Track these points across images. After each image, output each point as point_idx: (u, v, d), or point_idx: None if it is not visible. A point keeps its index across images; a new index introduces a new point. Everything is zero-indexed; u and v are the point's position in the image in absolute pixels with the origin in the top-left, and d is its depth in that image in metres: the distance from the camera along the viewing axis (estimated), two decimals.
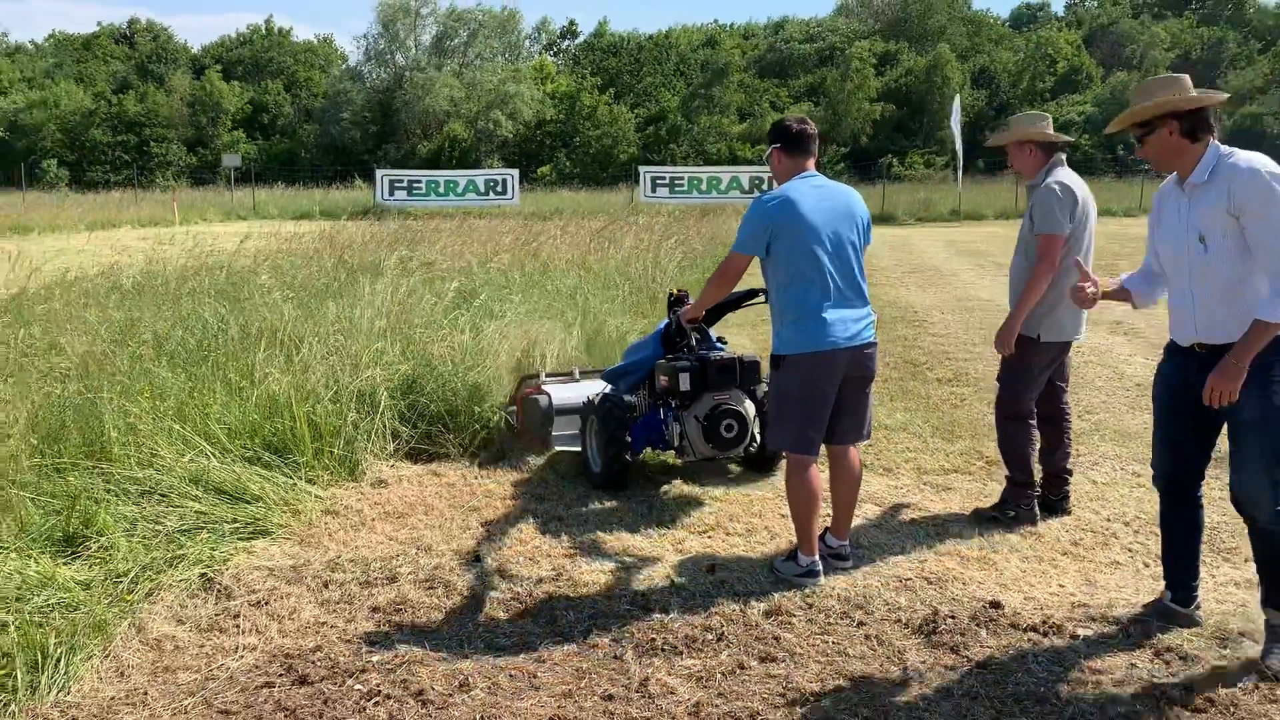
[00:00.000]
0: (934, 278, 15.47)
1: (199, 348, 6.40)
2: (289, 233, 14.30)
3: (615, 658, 3.48)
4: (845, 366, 4.04)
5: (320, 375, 5.80)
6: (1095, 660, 3.42)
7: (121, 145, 51.94)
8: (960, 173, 34.55)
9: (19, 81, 56.01)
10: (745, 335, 9.24)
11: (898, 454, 5.92)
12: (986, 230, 26.60)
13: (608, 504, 5.09)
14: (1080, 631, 3.61)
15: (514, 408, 6.11)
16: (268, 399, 5.48)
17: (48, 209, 29.69)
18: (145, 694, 3.25)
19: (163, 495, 4.55)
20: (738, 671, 3.37)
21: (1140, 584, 4.04)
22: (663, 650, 3.51)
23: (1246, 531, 3.43)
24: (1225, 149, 3.31)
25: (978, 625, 3.68)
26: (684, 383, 5.05)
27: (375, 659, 3.46)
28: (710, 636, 3.60)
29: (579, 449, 5.57)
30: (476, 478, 5.53)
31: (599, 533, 4.67)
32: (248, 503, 4.66)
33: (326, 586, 4.06)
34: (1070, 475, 4.92)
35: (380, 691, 3.24)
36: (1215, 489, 4.31)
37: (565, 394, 5.93)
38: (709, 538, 4.63)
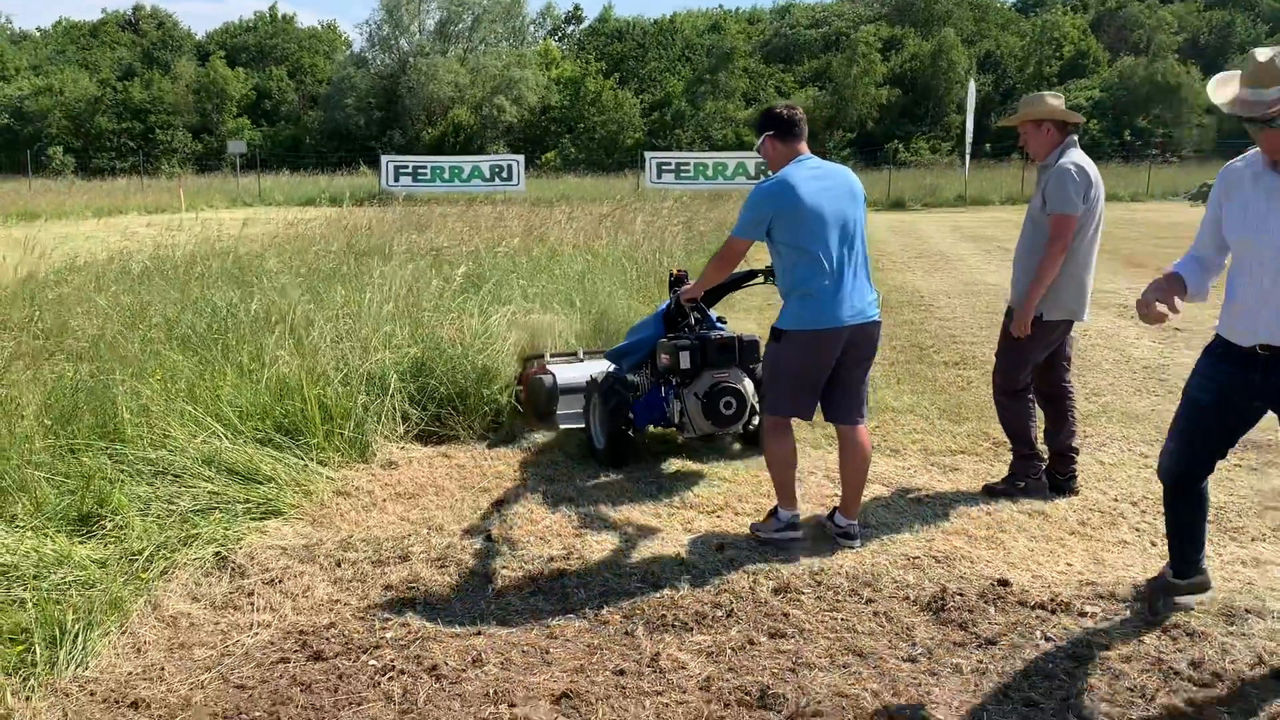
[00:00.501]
0: (940, 263, 15.44)
1: (209, 331, 6.44)
2: (295, 218, 14.32)
3: (626, 633, 3.52)
4: (845, 342, 4.08)
5: (330, 358, 5.83)
6: (1102, 637, 3.45)
7: (127, 132, 51.95)
8: (967, 158, 34.44)
9: (25, 69, 56.04)
10: (752, 320, 9.25)
11: (905, 436, 5.94)
12: (992, 215, 26.55)
13: (617, 485, 5.13)
14: (1088, 609, 3.63)
15: (520, 388, 6.16)
16: (278, 381, 5.51)
17: (54, 195, 29.78)
18: (162, 669, 3.29)
19: (176, 476, 4.59)
20: (748, 647, 3.40)
21: (1147, 563, 4.05)
22: (673, 626, 3.55)
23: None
24: None
25: (986, 603, 3.70)
26: (684, 361, 5.11)
27: (389, 635, 3.50)
28: (720, 613, 3.64)
29: (583, 427, 5.63)
30: (486, 459, 5.56)
31: (608, 513, 4.70)
32: (260, 483, 4.70)
33: (339, 565, 4.10)
34: (1077, 454, 4.93)
35: (394, 666, 3.28)
36: (1222, 467, 4.31)
37: (570, 374, 5.99)
38: (718, 517, 4.66)
